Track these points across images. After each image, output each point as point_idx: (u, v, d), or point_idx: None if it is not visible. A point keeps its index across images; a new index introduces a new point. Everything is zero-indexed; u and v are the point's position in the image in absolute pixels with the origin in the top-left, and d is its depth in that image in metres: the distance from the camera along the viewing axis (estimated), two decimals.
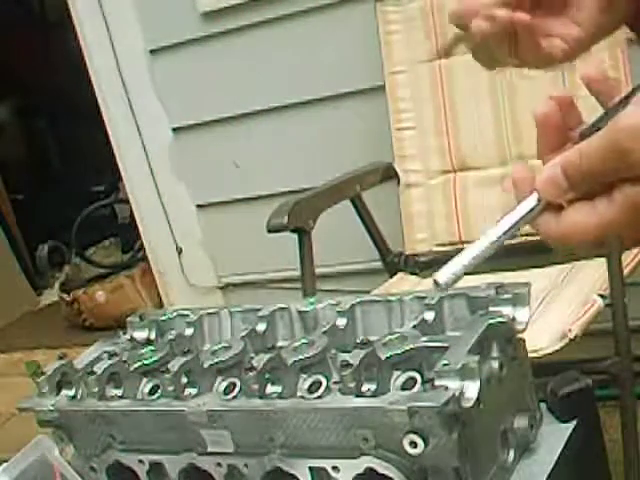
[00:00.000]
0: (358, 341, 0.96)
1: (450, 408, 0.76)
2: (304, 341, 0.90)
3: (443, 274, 0.53)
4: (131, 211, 2.92)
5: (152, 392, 0.96)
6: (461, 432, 0.79)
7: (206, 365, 0.93)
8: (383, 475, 0.82)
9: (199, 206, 2.72)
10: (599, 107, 0.55)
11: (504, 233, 0.54)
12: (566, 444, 0.92)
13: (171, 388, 0.92)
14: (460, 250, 0.53)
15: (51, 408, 0.98)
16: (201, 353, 0.96)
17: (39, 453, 0.94)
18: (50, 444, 0.96)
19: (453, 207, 2.03)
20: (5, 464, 0.93)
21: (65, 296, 3.65)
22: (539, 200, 0.54)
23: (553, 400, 0.95)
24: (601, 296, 1.59)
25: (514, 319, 0.87)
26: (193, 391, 0.92)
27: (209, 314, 1.08)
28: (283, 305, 1.03)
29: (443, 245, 2.03)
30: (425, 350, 0.85)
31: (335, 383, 0.86)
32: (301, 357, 0.87)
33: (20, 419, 1.22)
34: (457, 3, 0.69)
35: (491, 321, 0.85)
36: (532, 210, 0.54)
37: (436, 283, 0.52)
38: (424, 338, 0.87)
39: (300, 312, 1.01)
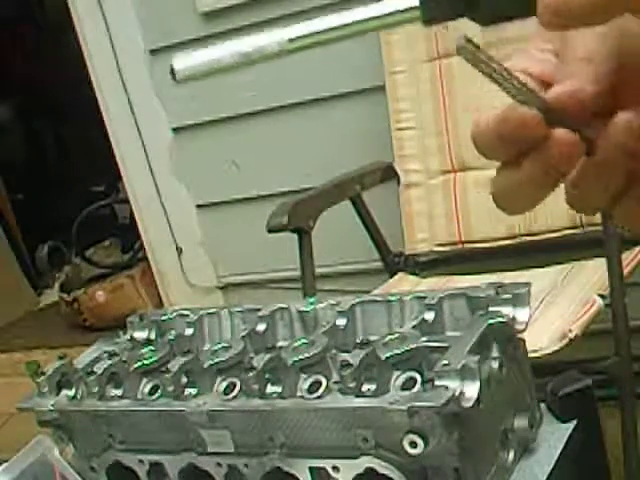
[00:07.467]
0: (358, 341, 0.96)
1: (450, 408, 0.76)
2: (304, 341, 0.90)
3: (182, 62, 0.38)
4: (131, 211, 2.92)
5: (152, 392, 0.96)
6: (461, 432, 0.79)
7: (206, 365, 0.93)
8: (383, 475, 0.82)
9: (199, 206, 2.72)
10: None
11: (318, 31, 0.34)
12: (566, 444, 0.92)
13: (171, 388, 0.92)
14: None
15: (51, 408, 0.98)
16: (201, 353, 0.96)
17: (39, 453, 0.94)
18: (50, 444, 0.96)
19: (453, 207, 2.03)
20: (5, 464, 0.93)
21: (65, 296, 3.65)
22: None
23: (553, 400, 0.95)
24: (601, 296, 1.59)
25: (514, 319, 0.87)
26: (193, 391, 0.92)
27: (209, 314, 1.08)
28: (283, 305, 1.03)
29: (443, 245, 2.03)
30: (425, 350, 0.85)
31: (335, 383, 0.86)
32: (301, 357, 0.87)
33: (20, 419, 1.22)
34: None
35: (491, 321, 0.85)
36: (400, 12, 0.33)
37: (172, 72, 0.38)
38: (424, 338, 0.87)
39: (300, 312, 1.01)
